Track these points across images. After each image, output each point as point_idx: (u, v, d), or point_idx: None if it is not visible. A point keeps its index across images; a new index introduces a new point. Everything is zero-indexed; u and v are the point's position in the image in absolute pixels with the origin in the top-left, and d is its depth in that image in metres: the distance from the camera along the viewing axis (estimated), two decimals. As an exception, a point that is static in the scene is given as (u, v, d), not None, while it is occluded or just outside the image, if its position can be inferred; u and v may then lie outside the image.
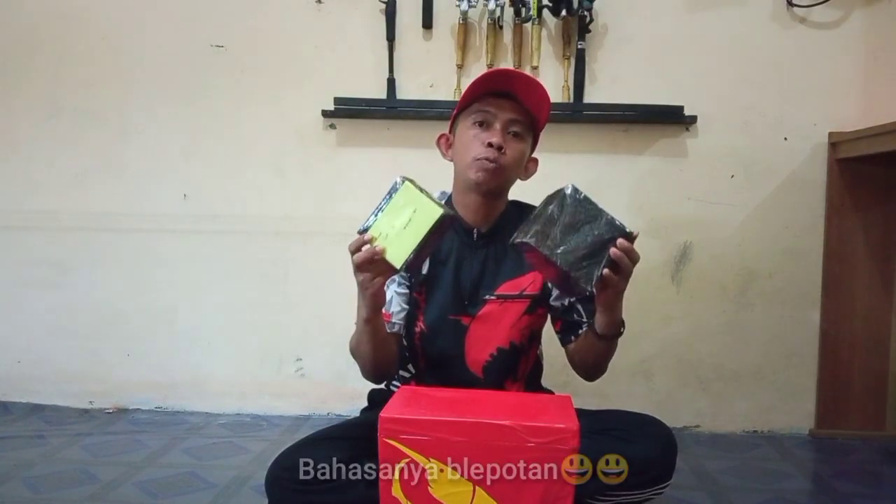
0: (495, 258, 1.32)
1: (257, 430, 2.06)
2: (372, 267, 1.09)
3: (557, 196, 1.09)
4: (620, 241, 1.07)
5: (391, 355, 1.27)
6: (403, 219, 1.08)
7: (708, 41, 2.07)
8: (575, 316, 1.30)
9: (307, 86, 2.11)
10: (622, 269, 1.08)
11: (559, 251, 1.07)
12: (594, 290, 1.10)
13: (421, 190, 1.10)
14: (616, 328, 1.18)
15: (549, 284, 1.30)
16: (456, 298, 1.31)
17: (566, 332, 1.32)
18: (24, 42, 2.16)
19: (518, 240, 1.09)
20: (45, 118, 2.17)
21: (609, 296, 1.13)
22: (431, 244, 1.11)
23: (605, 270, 1.07)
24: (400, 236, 1.08)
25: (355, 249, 1.09)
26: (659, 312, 2.10)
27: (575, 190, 1.09)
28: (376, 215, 1.10)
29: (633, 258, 1.09)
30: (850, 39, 2.05)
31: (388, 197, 1.10)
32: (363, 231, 1.10)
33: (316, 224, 2.14)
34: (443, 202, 1.36)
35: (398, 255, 1.08)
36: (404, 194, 1.09)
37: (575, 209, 1.08)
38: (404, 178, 1.10)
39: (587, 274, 1.07)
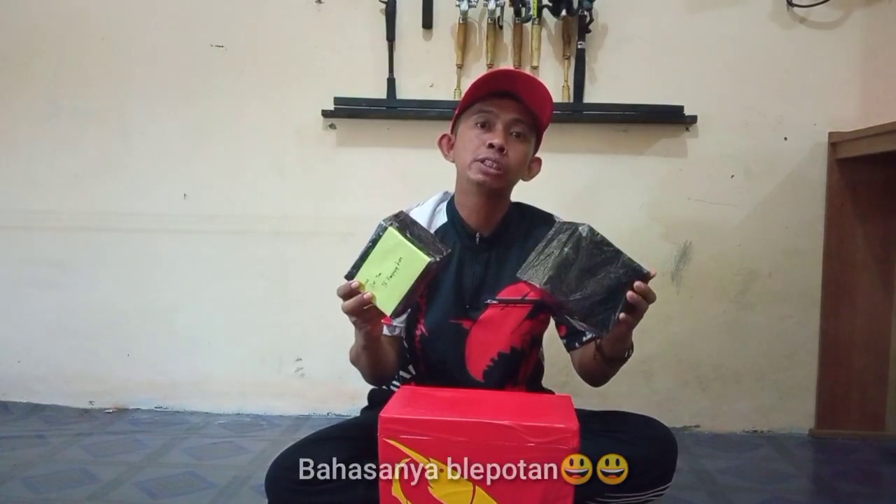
0: (497, 262, 1.32)
1: (257, 430, 2.06)
2: (362, 313, 1.09)
3: (572, 236, 1.06)
4: (637, 284, 1.05)
5: (392, 364, 1.28)
6: (390, 266, 1.06)
7: (708, 41, 2.07)
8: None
9: (307, 86, 2.11)
10: (638, 310, 1.07)
11: (574, 297, 1.05)
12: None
13: (406, 233, 1.08)
14: (623, 353, 1.19)
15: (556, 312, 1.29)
16: (457, 302, 1.30)
17: (571, 339, 1.32)
18: (24, 42, 2.16)
19: (532, 282, 1.07)
20: (45, 118, 2.17)
21: (621, 331, 1.12)
22: (421, 288, 1.10)
23: (622, 315, 1.06)
24: (387, 285, 1.07)
25: (344, 296, 1.09)
26: (659, 312, 2.09)
27: (591, 231, 1.06)
28: (362, 260, 1.08)
29: (650, 299, 1.07)
30: (850, 39, 2.05)
31: (372, 242, 1.08)
32: (350, 276, 1.09)
33: (316, 224, 2.14)
34: (444, 204, 1.37)
35: (387, 303, 1.07)
36: (389, 241, 1.07)
37: (591, 252, 1.05)
38: (389, 222, 1.08)
39: (603, 320, 1.06)
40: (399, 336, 1.31)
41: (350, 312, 1.09)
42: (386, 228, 1.07)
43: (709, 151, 2.09)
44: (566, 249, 1.06)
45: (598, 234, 1.06)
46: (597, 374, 1.26)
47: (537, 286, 1.06)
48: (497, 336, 1.31)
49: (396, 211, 1.14)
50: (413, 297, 1.09)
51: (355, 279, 1.08)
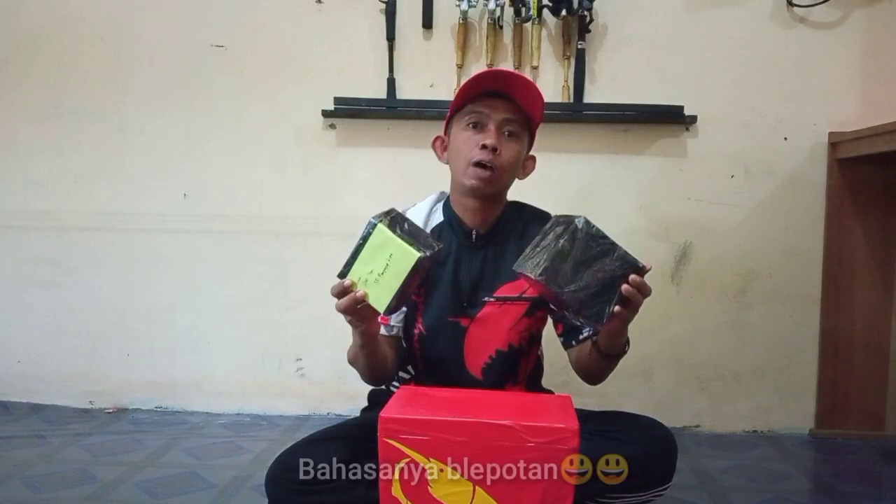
0: (494, 260, 1.32)
1: (257, 430, 2.06)
2: (357, 311, 1.09)
3: (568, 228, 1.06)
4: (633, 277, 1.05)
5: (390, 364, 1.28)
6: (381, 263, 1.07)
7: (708, 41, 2.07)
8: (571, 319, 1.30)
9: (307, 86, 2.11)
10: (633, 304, 1.07)
11: (569, 289, 1.04)
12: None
13: (396, 229, 1.08)
14: (620, 349, 1.19)
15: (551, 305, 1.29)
16: (455, 300, 1.30)
17: (568, 336, 1.32)
18: (24, 42, 2.16)
19: (527, 273, 1.07)
20: (45, 118, 2.17)
21: (616, 325, 1.12)
22: (414, 284, 1.10)
23: (617, 308, 1.06)
24: (379, 282, 1.07)
25: (337, 294, 1.09)
26: (659, 312, 2.10)
27: (587, 223, 1.06)
28: (354, 258, 1.09)
29: (645, 293, 1.07)
30: (850, 39, 2.05)
31: (362, 240, 1.08)
32: (342, 275, 1.09)
33: (316, 224, 2.14)
34: (440, 203, 1.37)
35: (380, 300, 1.07)
36: (378, 237, 1.07)
37: (586, 244, 1.05)
38: (378, 219, 1.08)
39: (598, 312, 1.05)
40: (397, 336, 1.31)
41: (344, 311, 1.10)
42: (375, 225, 1.08)
43: (709, 151, 2.09)
44: (562, 241, 1.06)
45: (594, 226, 1.06)
46: (594, 370, 1.26)
47: (532, 277, 1.06)
48: (495, 333, 1.31)
49: (388, 209, 1.14)
50: (406, 293, 1.10)
51: (347, 277, 1.08)
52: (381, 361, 1.24)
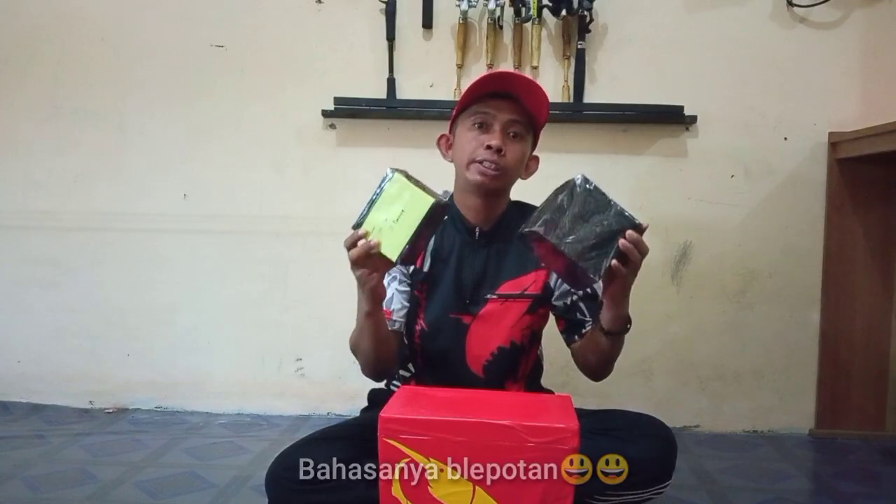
0: (497, 257, 1.32)
1: (257, 430, 2.06)
2: (368, 262, 1.09)
3: (567, 185, 1.09)
4: (629, 232, 1.06)
5: (392, 352, 1.26)
6: (395, 211, 1.08)
7: (708, 41, 2.07)
8: (578, 315, 1.30)
9: (307, 86, 2.11)
10: (631, 260, 1.08)
11: (568, 240, 1.06)
12: (602, 281, 1.09)
13: (412, 180, 1.09)
14: (623, 324, 1.17)
15: (556, 277, 1.29)
16: (457, 297, 1.31)
17: (570, 332, 1.32)
18: (24, 42, 2.16)
19: (526, 229, 1.09)
20: (45, 118, 2.17)
21: (616, 288, 1.12)
22: (426, 235, 1.11)
23: (614, 262, 1.07)
24: (393, 229, 1.08)
25: (350, 245, 1.09)
26: (659, 312, 2.10)
27: (585, 179, 1.08)
28: (369, 209, 1.10)
29: (642, 250, 1.08)
30: (850, 39, 2.05)
31: (379, 189, 1.09)
32: (357, 226, 1.10)
33: (316, 224, 2.14)
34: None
35: (393, 247, 1.08)
36: (395, 185, 1.09)
37: (585, 199, 1.07)
38: (395, 170, 1.10)
39: (595, 264, 1.06)
40: (399, 331, 1.31)
41: (356, 262, 1.09)
42: (394, 173, 1.09)
43: (709, 151, 2.09)
44: (560, 196, 1.08)
45: (591, 182, 1.08)
46: (597, 358, 1.24)
47: (533, 229, 1.07)
48: (497, 330, 1.31)
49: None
50: (420, 243, 1.10)
51: (362, 228, 1.09)
52: (385, 342, 1.22)
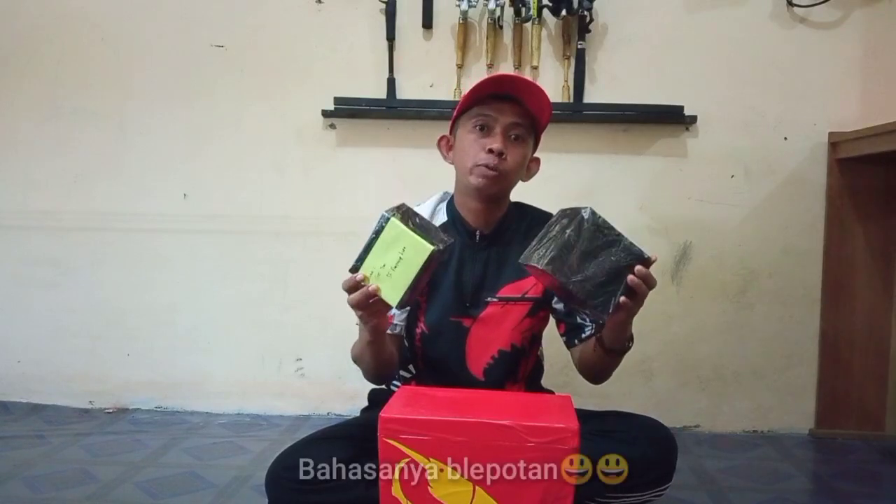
0: (497, 260, 1.32)
1: (257, 430, 2.06)
2: (369, 306, 1.09)
3: (574, 219, 1.07)
4: (638, 268, 1.05)
5: (394, 362, 1.27)
6: (393, 257, 1.06)
7: (708, 41, 2.07)
8: (579, 319, 1.30)
9: (307, 86, 2.11)
10: (638, 294, 1.07)
11: (576, 279, 1.05)
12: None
13: (409, 221, 1.07)
14: (624, 343, 1.18)
15: (557, 297, 1.29)
16: (457, 300, 1.30)
17: (570, 336, 1.32)
18: (24, 42, 2.16)
19: (532, 263, 1.07)
20: (45, 118, 2.16)
21: (621, 318, 1.12)
22: (425, 278, 1.10)
23: (623, 298, 1.06)
24: (392, 276, 1.06)
25: (349, 289, 1.09)
26: (659, 312, 2.10)
27: (593, 214, 1.06)
28: (366, 252, 1.08)
29: (650, 284, 1.07)
30: (850, 39, 2.05)
31: (374, 234, 1.08)
32: (354, 269, 1.09)
33: (316, 224, 2.14)
34: (444, 203, 1.37)
35: (393, 294, 1.07)
36: (392, 230, 1.07)
37: (593, 234, 1.06)
38: (392, 212, 1.08)
39: (604, 303, 1.06)
40: (400, 335, 1.31)
41: (356, 306, 1.09)
42: (388, 219, 1.07)
43: (709, 151, 2.09)
44: (568, 232, 1.06)
45: (599, 217, 1.07)
46: (597, 368, 1.25)
47: (539, 268, 1.06)
48: (497, 334, 1.31)
49: (398, 204, 1.13)
50: (418, 286, 1.09)
51: (360, 272, 1.08)
52: (388, 359, 1.24)
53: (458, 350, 1.31)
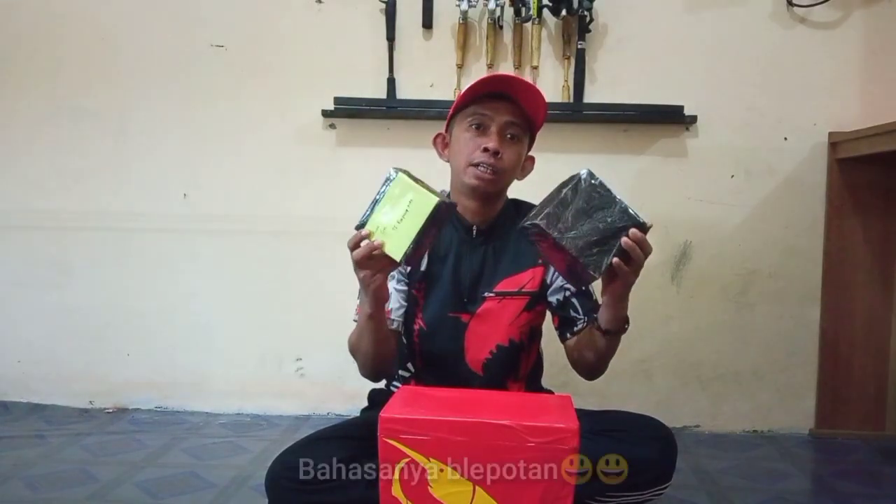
0: (494, 255, 1.32)
1: (257, 430, 2.06)
2: (372, 263, 1.08)
3: (572, 180, 1.07)
4: (633, 230, 1.05)
5: (391, 353, 1.26)
6: (400, 211, 1.06)
7: (708, 41, 2.07)
8: (571, 312, 1.30)
9: (307, 86, 2.11)
10: (633, 259, 1.06)
11: (569, 235, 1.05)
12: (602, 279, 1.08)
13: (415, 180, 1.08)
14: (620, 324, 1.17)
15: (553, 272, 1.29)
16: (455, 296, 1.31)
17: (563, 328, 1.32)
18: (23, 42, 2.16)
19: (528, 222, 1.08)
20: (45, 118, 2.17)
21: (617, 287, 1.11)
22: (430, 235, 1.10)
23: (615, 260, 1.05)
24: (397, 229, 1.06)
25: (354, 246, 1.08)
26: (659, 312, 2.10)
27: (590, 174, 1.07)
28: (372, 209, 1.08)
29: (646, 250, 1.07)
30: (849, 39, 2.05)
31: (383, 189, 1.08)
32: (360, 226, 1.09)
33: (316, 224, 2.14)
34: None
35: (397, 248, 1.07)
36: (398, 185, 1.07)
37: (589, 194, 1.06)
38: (398, 169, 1.09)
39: (596, 261, 1.05)
40: (397, 330, 1.31)
41: (359, 262, 1.08)
42: (397, 173, 1.08)
43: (709, 151, 2.09)
44: (565, 190, 1.07)
45: (597, 177, 1.07)
46: (593, 355, 1.23)
47: (535, 223, 1.06)
48: (495, 328, 1.31)
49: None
50: (424, 243, 1.09)
51: (365, 228, 1.08)
52: (384, 343, 1.22)
53: (456, 346, 1.31)
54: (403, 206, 1.07)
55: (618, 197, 1.06)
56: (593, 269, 1.06)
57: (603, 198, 1.06)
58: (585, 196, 1.06)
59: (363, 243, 1.07)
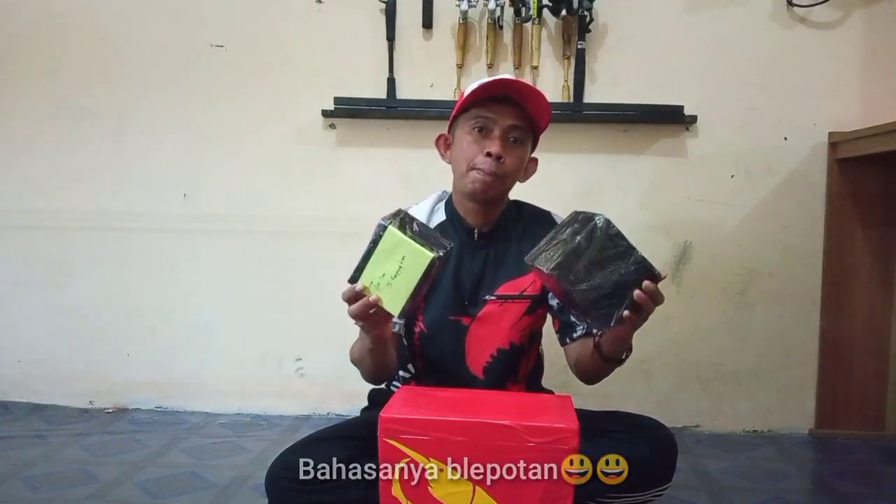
0: (495, 258, 1.32)
1: (257, 430, 2.06)
2: (370, 317, 1.08)
3: (587, 226, 1.04)
4: (646, 283, 1.03)
5: (393, 362, 1.27)
6: (393, 265, 1.04)
7: (708, 41, 2.07)
8: (571, 317, 1.30)
9: (307, 86, 2.10)
10: (644, 310, 1.06)
11: (581, 287, 1.02)
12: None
13: (406, 230, 1.06)
14: (621, 354, 1.18)
15: (558, 301, 1.28)
16: (456, 299, 1.30)
17: (563, 333, 1.32)
18: (23, 42, 2.16)
19: (539, 266, 1.05)
20: (45, 118, 2.17)
21: (623, 331, 1.11)
22: (426, 284, 1.08)
23: (626, 312, 1.04)
24: (392, 284, 1.05)
25: (349, 300, 1.08)
26: (659, 312, 2.07)
27: (607, 223, 1.04)
28: (364, 262, 1.06)
29: (657, 301, 1.06)
30: (849, 39, 2.05)
31: (372, 243, 1.06)
32: (353, 280, 1.07)
33: (316, 224, 2.14)
34: (442, 202, 1.37)
35: (394, 303, 1.05)
36: (390, 240, 1.05)
37: (604, 244, 1.03)
38: (388, 221, 1.06)
39: (606, 315, 1.04)
40: (398, 333, 1.31)
41: (356, 317, 1.08)
42: (386, 227, 1.05)
43: (709, 151, 2.09)
44: (579, 238, 1.03)
45: (613, 226, 1.04)
46: (591, 372, 1.25)
47: (544, 271, 1.04)
48: (496, 332, 1.31)
49: (395, 210, 1.12)
50: (419, 294, 1.08)
51: (359, 282, 1.06)
52: (388, 363, 1.24)
53: (457, 349, 1.31)
54: (397, 262, 1.04)
55: (633, 247, 1.04)
56: (602, 322, 1.04)
57: (618, 248, 1.03)
58: (600, 245, 1.03)
59: (360, 300, 1.06)
